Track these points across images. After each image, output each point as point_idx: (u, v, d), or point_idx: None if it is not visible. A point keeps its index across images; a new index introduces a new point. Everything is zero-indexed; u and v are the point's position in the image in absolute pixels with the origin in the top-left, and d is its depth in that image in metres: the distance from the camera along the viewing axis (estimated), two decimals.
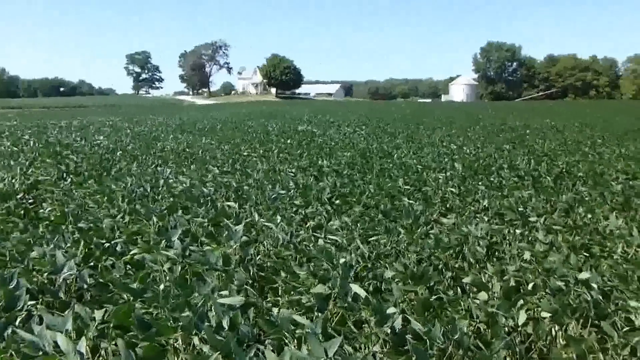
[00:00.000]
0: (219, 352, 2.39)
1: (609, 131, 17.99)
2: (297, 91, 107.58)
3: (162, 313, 2.97)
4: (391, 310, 2.94)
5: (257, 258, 4.34)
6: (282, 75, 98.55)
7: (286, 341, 2.75)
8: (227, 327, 2.87)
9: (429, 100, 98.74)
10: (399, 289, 3.35)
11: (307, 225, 5.61)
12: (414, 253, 4.44)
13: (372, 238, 4.84)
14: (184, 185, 7.57)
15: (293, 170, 8.87)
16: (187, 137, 16.36)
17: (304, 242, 4.74)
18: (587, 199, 6.44)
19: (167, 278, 3.78)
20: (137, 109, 44.14)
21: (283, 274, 3.79)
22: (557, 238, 4.69)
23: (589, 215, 5.55)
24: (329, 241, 4.66)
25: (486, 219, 5.58)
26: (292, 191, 6.93)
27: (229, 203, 6.18)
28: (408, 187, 7.20)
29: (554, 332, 3.05)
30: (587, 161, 10.10)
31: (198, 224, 5.32)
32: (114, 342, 2.75)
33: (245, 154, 12.09)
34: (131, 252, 4.34)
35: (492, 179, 7.90)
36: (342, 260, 3.78)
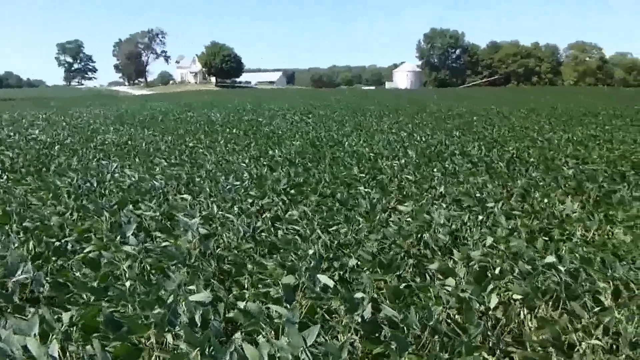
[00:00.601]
0: (198, 349, 2.32)
1: (555, 117, 18.70)
2: (238, 80, 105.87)
3: (132, 311, 2.86)
4: (359, 295, 2.95)
5: (217, 251, 4.26)
6: (223, 64, 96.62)
7: (262, 333, 2.71)
8: (199, 324, 2.80)
9: (372, 87, 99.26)
10: (369, 277, 3.36)
11: (263, 216, 5.56)
12: (375, 241, 4.48)
13: (333, 228, 4.84)
14: (132, 179, 7.32)
15: (246, 161, 8.75)
16: (128, 129, 15.83)
17: (264, 234, 4.70)
18: (541, 184, 6.68)
19: (128, 275, 3.65)
20: (71, 101, 42.18)
21: (249, 266, 3.73)
22: (516, 223, 4.84)
23: (545, 200, 5.76)
24: (291, 232, 4.63)
25: (444, 205, 5.69)
26: (246, 182, 6.84)
27: (182, 196, 6.04)
28: (363, 175, 7.25)
29: (522, 315, 3.14)
30: (536, 147, 10.49)
31: (151, 218, 5.17)
32: (80, 344, 2.63)
33: (190, 145, 11.83)
34: (86, 250, 4.16)
35: (446, 165, 8.07)
36: (310, 251, 3.76)
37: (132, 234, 4.45)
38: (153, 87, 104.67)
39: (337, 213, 5.28)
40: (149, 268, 3.87)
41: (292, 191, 6.40)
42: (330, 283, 3.07)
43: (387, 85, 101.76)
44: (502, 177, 7.17)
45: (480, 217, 5.03)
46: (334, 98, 40.51)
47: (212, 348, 2.35)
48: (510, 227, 4.69)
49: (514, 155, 9.36)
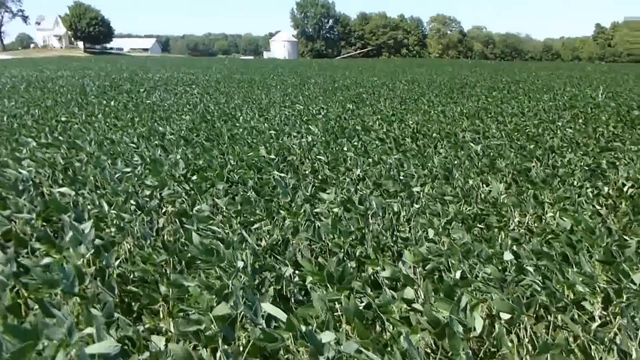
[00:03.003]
0: None
1: (437, 89, 18.99)
2: (108, 46, 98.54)
3: None
4: (327, 336, 2.31)
5: (117, 266, 3.37)
6: (90, 27, 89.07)
7: None
8: None
9: (251, 57, 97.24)
10: (321, 298, 2.70)
11: (164, 211, 4.72)
12: (306, 240, 3.86)
13: (255, 225, 4.11)
14: None
15: (134, 140, 7.56)
16: None
17: (171, 238, 3.88)
18: (455, 162, 6.40)
19: None
20: None
21: (163, 289, 2.92)
22: (450, 210, 4.44)
23: (470, 182, 5.44)
24: (207, 233, 3.83)
25: (368, 191, 5.16)
26: (138, 168, 5.81)
27: (61, 189, 4.91)
28: (272, 156, 6.50)
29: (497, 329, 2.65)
30: (433, 120, 10.37)
31: (23, 222, 4.08)
32: None
33: (63, 119, 10.26)
34: None
35: (354, 143, 7.57)
36: (240, 264, 3.01)
37: None
38: (12, 51, 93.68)
39: (256, 206, 4.53)
40: (25, 295, 2.93)
41: (195, 177, 5.54)
42: (282, 316, 2.38)
43: (266, 54, 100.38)
44: (416, 156, 6.82)
45: (415, 206, 4.56)
46: (215, 67, 38.76)
47: None
48: (448, 216, 4.27)
49: (415, 130, 9.16)
